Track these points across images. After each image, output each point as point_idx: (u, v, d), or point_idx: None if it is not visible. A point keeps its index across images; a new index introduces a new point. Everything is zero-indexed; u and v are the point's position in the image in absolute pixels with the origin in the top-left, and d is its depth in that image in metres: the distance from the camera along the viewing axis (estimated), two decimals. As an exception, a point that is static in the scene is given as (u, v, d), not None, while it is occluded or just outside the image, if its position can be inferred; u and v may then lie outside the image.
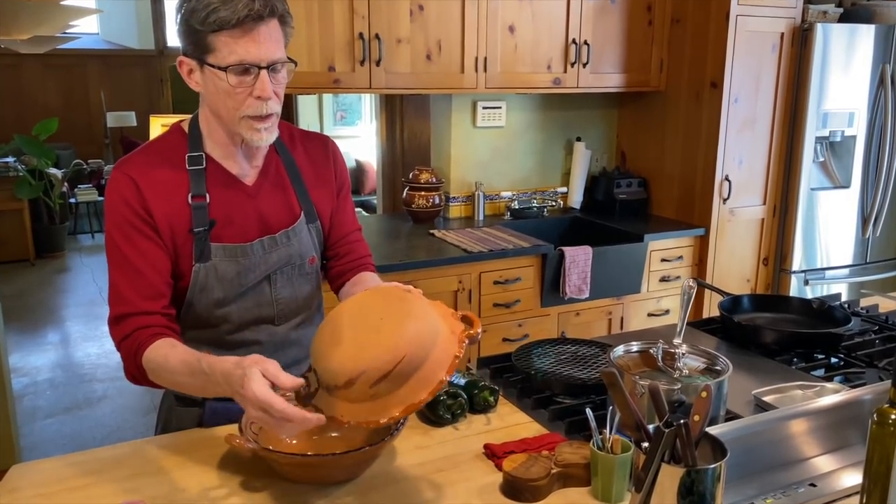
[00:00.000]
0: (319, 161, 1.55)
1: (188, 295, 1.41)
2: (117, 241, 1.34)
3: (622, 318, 3.29)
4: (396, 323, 1.14)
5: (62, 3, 4.67)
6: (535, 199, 3.66)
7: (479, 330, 1.21)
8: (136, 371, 1.32)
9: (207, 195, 1.39)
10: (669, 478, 1.03)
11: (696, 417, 1.08)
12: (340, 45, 2.78)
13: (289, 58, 1.36)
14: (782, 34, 3.33)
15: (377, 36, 2.83)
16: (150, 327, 1.31)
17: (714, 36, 3.27)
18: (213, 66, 1.30)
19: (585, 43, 3.26)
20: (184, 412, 1.51)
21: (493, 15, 3.04)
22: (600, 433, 1.21)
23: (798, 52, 3.37)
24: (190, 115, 1.46)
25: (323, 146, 1.58)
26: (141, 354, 1.29)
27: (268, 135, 1.37)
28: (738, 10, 3.19)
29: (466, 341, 1.16)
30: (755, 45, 3.28)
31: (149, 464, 1.31)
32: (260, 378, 1.08)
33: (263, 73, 1.30)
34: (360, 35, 2.80)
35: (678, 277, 3.41)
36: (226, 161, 1.43)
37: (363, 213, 6.55)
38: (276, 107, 1.35)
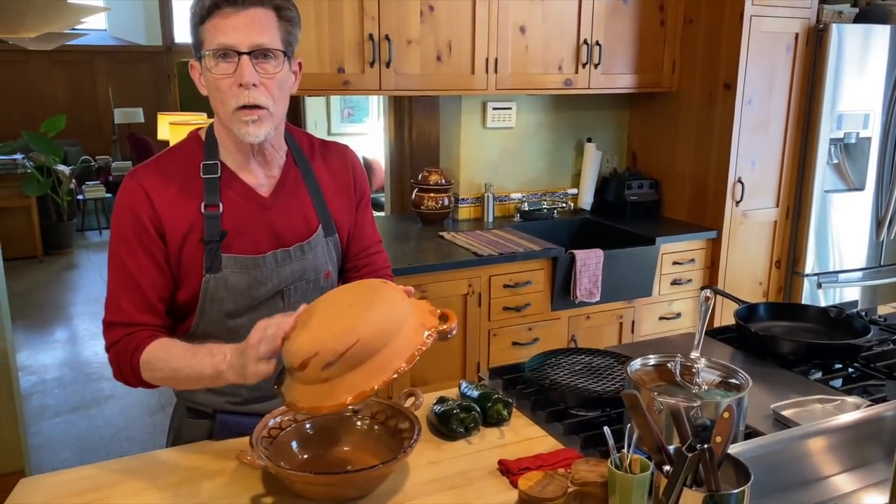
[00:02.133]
0: (339, 172, 1.52)
1: (199, 305, 1.38)
2: (120, 251, 1.33)
3: (633, 322, 3.26)
4: (361, 309, 1.14)
5: (70, 1, 4.66)
6: (544, 200, 3.64)
7: (453, 326, 1.20)
8: (127, 370, 1.32)
9: (221, 205, 1.36)
10: (691, 502, 1.00)
11: (719, 439, 1.05)
12: (350, 46, 2.75)
13: (284, 52, 1.31)
14: (797, 35, 3.29)
15: (387, 37, 2.80)
16: (146, 331, 1.32)
17: (728, 36, 3.23)
18: (202, 55, 1.29)
19: (597, 43, 3.23)
20: (195, 424, 1.49)
21: (504, 15, 3.01)
22: (618, 451, 1.19)
23: (813, 52, 3.33)
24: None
25: (342, 157, 1.54)
26: (140, 352, 1.29)
27: (256, 128, 1.31)
28: (752, 11, 3.15)
29: (434, 335, 1.15)
30: (769, 45, 3.24)
31: (158, 478, 1.29)
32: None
33: (244, 58, 1.26)
34: (370, 36, 2.77)
35: (690, 280, 3.38)
36: (241, 171, 1.40)
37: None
38: (261, 98, 1.29)
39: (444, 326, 1.18)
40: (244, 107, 1.29)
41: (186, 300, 1.38)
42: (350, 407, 1.15)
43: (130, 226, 1.32)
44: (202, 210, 1.35)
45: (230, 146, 1.39)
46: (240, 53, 1.26)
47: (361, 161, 1.62)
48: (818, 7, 3.31)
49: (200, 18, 1.28)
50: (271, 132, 1.34)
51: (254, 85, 1.28)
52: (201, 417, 1.49)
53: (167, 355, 1.28)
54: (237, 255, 1.37)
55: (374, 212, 1.60)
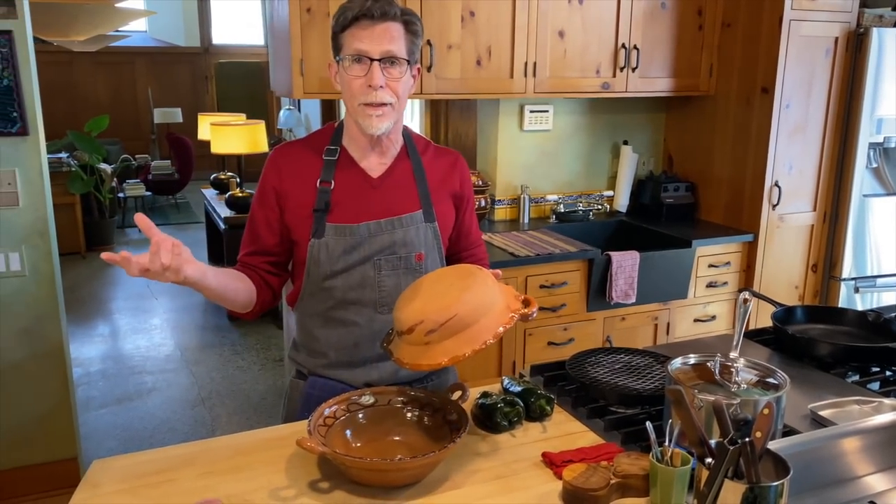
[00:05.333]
0: (447, 174, 1.70)
1: (306, 266, 1.59)
2: (253, 204, 1.64)
3: (668, 324, 3.28)
4: (459, 290, 1.35)
5: (117, 5, 4.80)
6: (580, 202, 3.67)
7: (534, 311, 1.39)
8: None
9: (333, 182, 1.57)
10: (732, 494, 1.05)
11: (759, 434, 1.10)
12: (393, 50, 2.82)
13: (407, 59, 1.51)
14: (836, 39, 3.29)
15: (429, 42, 2.86)
16: (246, 268, 1.63)
17: (766, 40, 3.24)
18: (340, 58, 1.51)
19: (635, 47, 3.26)
20: (296, 384, 1.70)
21: (543, 20, 3.06)
22: (659, 445, 1.23)
23: (852, 56, 3.33)
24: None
25: (452, 161, 1.72)
26: None
27: (379, 122, 1.51)
28: (791, 15, 3.16)
29: (517, 317, 1.35)
30: (808, 49, 3.25)
31: (219, 463, 1.37)
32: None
33: (375, 64, 1.47)
34: (413, 41, 2.83)
35: (725, 283, 3.39)
36: (358, 155, 1.61)
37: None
38: (387, 97, 1.50)
39: (526, 310, 1.37)
40: (371, 104, 1.49)
41: (298, 263, 1.62)
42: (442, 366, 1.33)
43: (260, 190, 1.61)
44: (318, 185, 1.57)
45: (354, 135, 1.60)
46: (371, 59, 1.47)
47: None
48: (858, 11, 3.30)
49: (342, 27, 1.50)
50: (390, 126, 1.54)
51: (381, 86, 1.48)
52: (301, 378, 1.69)
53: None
54: (337, 224, 1.56)
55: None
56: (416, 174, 1.64)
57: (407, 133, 1.67)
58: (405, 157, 1.64)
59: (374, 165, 1.61)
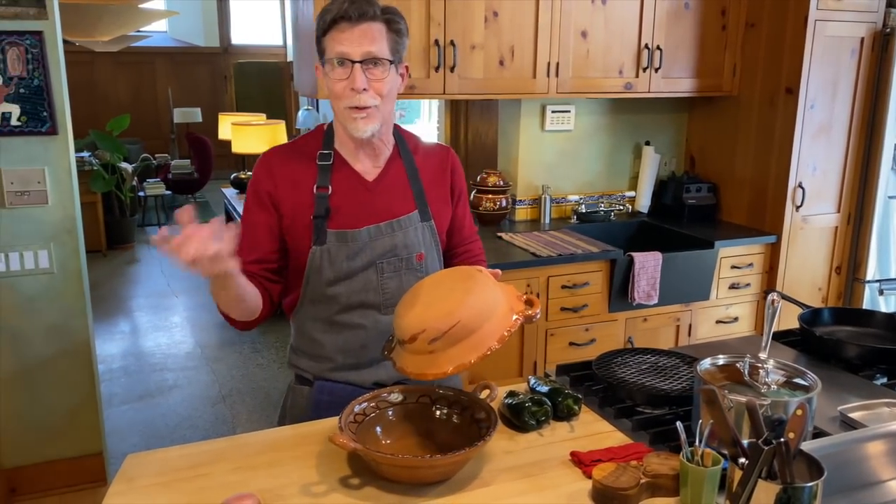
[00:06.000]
0: (438, 169, 1.68)
1: (306, 273, 1.56)
2: (245, 207, 1.60)
3: (690, 326, 3.27)
4: (461, 294, 1.31)
5: (140, 6, 4.85)
6: (602, 202, 3.67)
7: (537, 312, 1.36)
8: None
9: (330, 187, 1.55)
10: (766, 494, 1.05)
11: (791, 434, 1.09)
12: (416, 51, 2.83)
13: (391, 60, 1.48)
14: (862, 39, 3.26)
15: (452, 42, 2.87)
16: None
17: (791, 41, 3.22)
18: (324, 62, 1.49)
19: (658, 48, 3.25)
20: (300, 390, 1.67)
21: (567, 21, 3.06)
22: (690, 445, 1.23)
23: (878, 57, 3.30)
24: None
25: (443, 157, 1.71)
26: None
27: (364, 124, 1.49)
28: (817, 15, 3.14)
29: (521, 319, 1.32)
30: (833, 50, 3.22)
31: (250, 458, 1.38)
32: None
33: (357, 66, 1.45)
34: (436, 42, 2.84)
35: (748, 285, 3.37)
36: (351, 159, 1.59)
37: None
38: (370, 100, 1.47)
39: (530, 311, 1.34)
40: (355, 107, 1.47)
41: (296, 271, 1.58)
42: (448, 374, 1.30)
43: (254, 189, 1.57)
44: (314, 191, 1.54)
45: (344, 138, 1.58)
46: (353, 62, 1.45)
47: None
48: (885, 11, 3.27)
49: (323, 31, 1.48)
50: (377, 128, 1.52)
51: (364, 89, 1.46)
52: (304, 383, 1.66)
53: None
54: (338, 230, 1.54)
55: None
56: (410, 174, 1.62)
57: (398, 132, 1.65)
58: (397, 157, 1.63)
59: (369, 168, 1.59)
